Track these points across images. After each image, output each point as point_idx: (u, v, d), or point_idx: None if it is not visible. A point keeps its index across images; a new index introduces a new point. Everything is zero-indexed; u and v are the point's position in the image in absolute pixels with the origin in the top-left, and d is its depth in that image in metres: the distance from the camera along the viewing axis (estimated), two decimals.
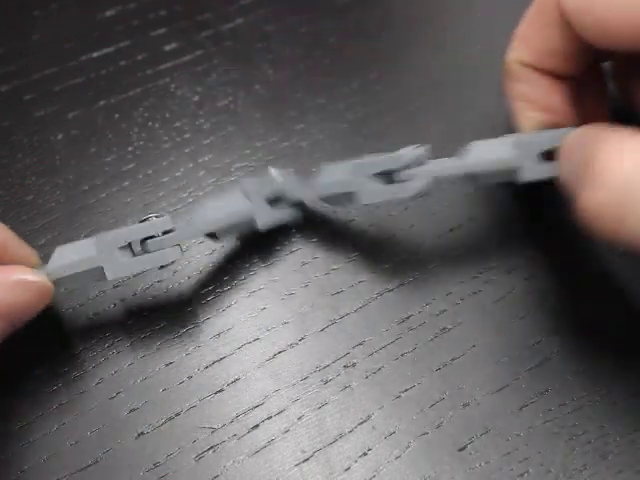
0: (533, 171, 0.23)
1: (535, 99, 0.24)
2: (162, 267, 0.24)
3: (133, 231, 0.23)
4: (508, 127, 0.28)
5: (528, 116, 0.24)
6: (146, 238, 0.23)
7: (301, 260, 0.26)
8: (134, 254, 0.23)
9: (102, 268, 0.22)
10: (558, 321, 0.25)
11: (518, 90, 0.25)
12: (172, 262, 0.23)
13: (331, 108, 0.30)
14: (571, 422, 0.23)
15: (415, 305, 0.25)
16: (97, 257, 0.22)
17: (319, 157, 0.28)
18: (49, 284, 0.22)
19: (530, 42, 0.23)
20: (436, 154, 0.27)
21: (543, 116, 0.24)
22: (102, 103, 0.30)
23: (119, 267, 0.22)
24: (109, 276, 0.22)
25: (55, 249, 0.22)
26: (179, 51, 0.32)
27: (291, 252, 0.26)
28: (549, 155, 0.23)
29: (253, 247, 0.26)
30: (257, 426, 0.23)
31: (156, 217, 0.23)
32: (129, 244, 0.23)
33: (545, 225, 0.27)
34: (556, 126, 0.23)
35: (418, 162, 0.23)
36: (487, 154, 0.23)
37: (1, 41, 0.32)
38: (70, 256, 0.22)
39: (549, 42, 0.23)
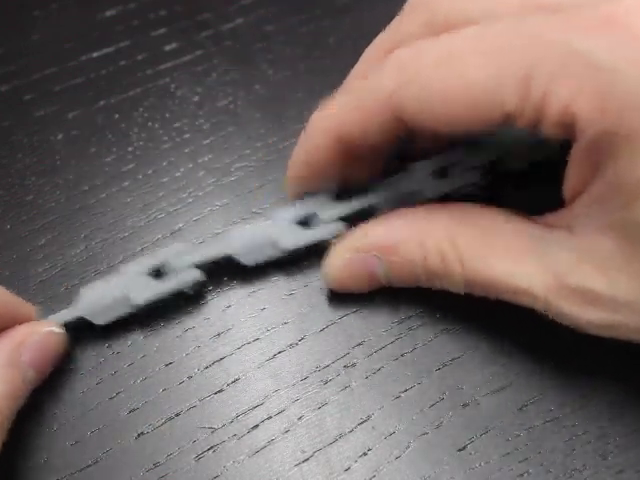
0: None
1: (321, 168, 0.24)
2: (188, 295, 0.25)
3: (151, 259, 0.24)
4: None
5: (300, 181, 0.25)
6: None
7: (301, 260, 0.26)
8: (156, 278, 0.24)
9: (128, 297, 0.23)
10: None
11: (311, 156, 0.24)
12: (196, 285, 0.24)
13: None
14: (571, 422, 0.23)
15: (415, 305, 0.25)
16: (123, 285, 0.23)
17: None
18: (64, 333, 0.23)
19: (348, 126, 0.22)
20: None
21: (314, 184, 0.25)
22: (102, 103, 0.30)
23: (145, 291, 0.23)
24: (135, 300, 0.23)
25: (80, 291, 0.23)
26: (179, 51, 0.32)
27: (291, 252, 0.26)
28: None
29: None
30: (257, 426, 0.23)
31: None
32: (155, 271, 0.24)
33: None
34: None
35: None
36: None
37: (1, 41, 0.32)
38: (97, 293, 0.23)
39: (371, 130, 0.22)
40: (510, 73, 0.19)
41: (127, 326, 0.24)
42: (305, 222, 0.25)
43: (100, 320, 0.23)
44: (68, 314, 0.23)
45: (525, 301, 0.21)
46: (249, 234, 0.24)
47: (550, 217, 0.22)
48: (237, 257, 0.24)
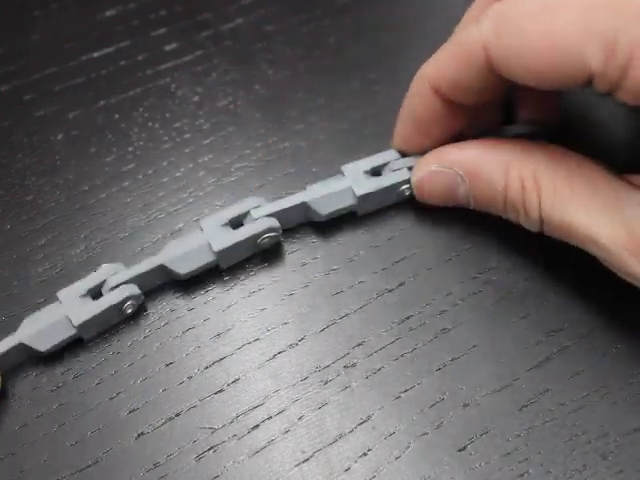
0: (365, 186, 0.25)
1: (423, 122, 0.25)
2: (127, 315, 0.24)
3: (87, 281, 0.24)
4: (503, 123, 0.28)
5: (407, 136, 0.26)
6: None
7: (301, 260, 0.26)
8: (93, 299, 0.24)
9: (68, 317, 0.23)
10: (558, 321, 0.25)
11: (414, 108, 0.25)
12: (134, 299, 0.24)
13: (331, 108, 0.30)
14: (571, 422, 0.23)
15: (415, 305, 0.25)
16: (63, 309, 0.23)
17: (319, 157, 0.28)
18: None
19: (445, 73, 0.23)
20: None
21: (422, 140, 0.25)
22: (102, 103, 0.30)
23: (83, 312, 0.23)
24: (75, 322, 0.23)
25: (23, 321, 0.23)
26: (179, 51, 0.32)
27: (291, 252, 0.26)
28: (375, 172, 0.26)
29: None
30: (257, 426, 0.23)
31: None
32: (89, 291, 0.24)
33: None
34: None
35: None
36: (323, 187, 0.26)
37: (1, 41, 0.32)
38: (39, 322, 0.23)
39: (466, 79, 0.23)
40: (598, 32, 0.19)
41: (127, 326, 0.24)
42: (240, 223, 0.25)
43: (42, 347, 0.23)
44: (6, 344, 0.23)
45: (595, 251, 0.22)
46: (182, 243, 0.24)
47: (637, 178, 0.22)
48: (171, 266, 0.24)
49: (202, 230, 0.25)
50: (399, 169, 0.26)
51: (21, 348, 0.23)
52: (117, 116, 0.30)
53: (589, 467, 0.22)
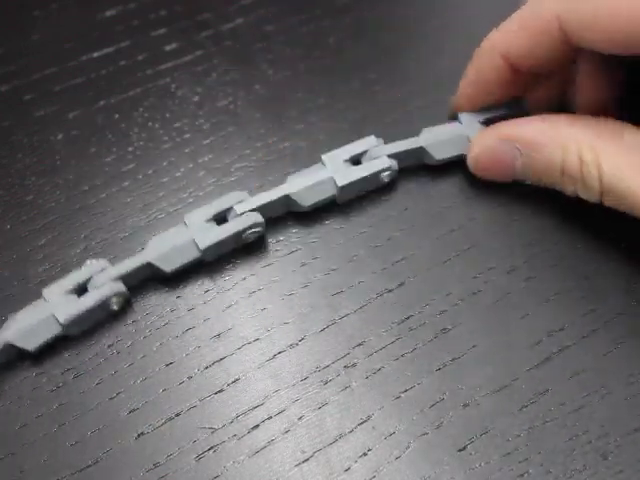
0: (346, 176, 0.26)
1: (489, 84, 0.26)
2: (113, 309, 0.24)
3: (72, 278, 0.24)
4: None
5: (471, 95, 0.27)
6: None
7: (301, 260, 0.26)
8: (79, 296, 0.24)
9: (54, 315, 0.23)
10: (558, 321, 0.25)
11: (481, 71, 0.26)
12: (120, 297, 0.24)
13: (331, 108, 0.30)
14: (571, 422, 0.23)
15: (415, 305, 0.25)
16: (49, 306, 0.23)
17: (319, 157, 0.28)
18: None
19: (516, 42, 0.25)
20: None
21: (485, 98, 0.27)
22: (102, 103, 0.30)
23: (69, 309, 0.23)
24: (61, 319, 0.23)
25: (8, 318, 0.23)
26: (179, 51, 0.32)
27: (291, 252, 0.26)
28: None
29: (253, 247, 0.26)
30: (257, 426, 0.23)
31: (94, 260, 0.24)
32: (75, 288, 0.24)
33: (545, 225, 0.27)
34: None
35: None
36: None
37: (1, 41, 0.32)
38: (23, 318, 0.23)
39: (538, 48, 0.24)
40: None
41: (127, 326, 0.24)
42: (223, 218, 0.25)
43: (30, 345, 0.23)
44: None
45: None
46: (167, 239, 0.25)
47: None
48: (157, 264, 0.24)
49: (186, 225, 0.25)
50: (378, 157, 0.26)
51: (8, 347, 0.23)
52: (117, 116, 0.30)
53: (589, 467, 0.22)
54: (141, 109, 0.30)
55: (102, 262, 0.24)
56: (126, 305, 0.25)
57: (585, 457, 0.22)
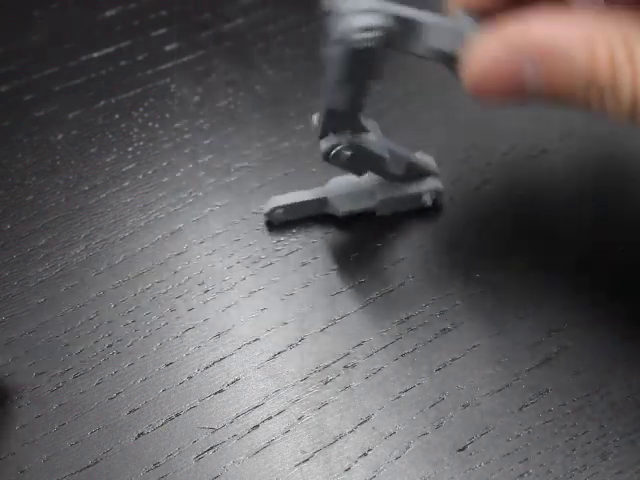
0: (387, 191, 0.26)
1: None
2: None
3: None
4: (507, 125, 0.27)
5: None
6: None
7: (301, 260, 0.26)
8: None
9: None
10: (558, 322, 0.25)
11: None
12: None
13: None
14: (571, 422, 0.23)
15: (415, 305, 0.25)
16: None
17: (319, 157, 0.28)
18: None
19: None
20: (438, 154, 0.27)
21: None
22: (102, 103, 0.30)
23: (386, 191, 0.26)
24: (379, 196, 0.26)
25: None
26: (179, 51, 0.32)
27: (291, 252, 0.26)
28: None
29: (253, 247, 0.26)
30: (257, 426, 0.23)
31: None
32: None
33: (545, 226, 0.27)
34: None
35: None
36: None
37: (1, 41, 0.32)
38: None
39: None
40: None
41: (127, 326, 0.25)
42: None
43: (341, 208, 0.26)
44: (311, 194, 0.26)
45: None
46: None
47: None
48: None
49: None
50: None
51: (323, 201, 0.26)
52: (117, 116, 0.30)
53: (589, 467, 0.22)
54: (141, 109, 0.30)
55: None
56: (440, 199, 0.27)
57: (585, 457, 0.22)
